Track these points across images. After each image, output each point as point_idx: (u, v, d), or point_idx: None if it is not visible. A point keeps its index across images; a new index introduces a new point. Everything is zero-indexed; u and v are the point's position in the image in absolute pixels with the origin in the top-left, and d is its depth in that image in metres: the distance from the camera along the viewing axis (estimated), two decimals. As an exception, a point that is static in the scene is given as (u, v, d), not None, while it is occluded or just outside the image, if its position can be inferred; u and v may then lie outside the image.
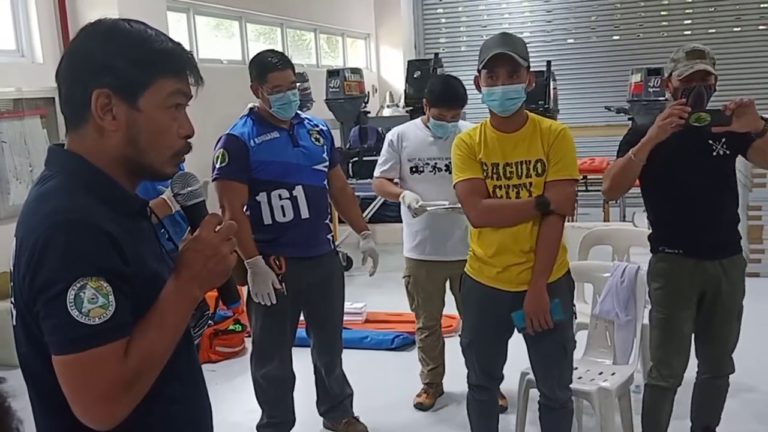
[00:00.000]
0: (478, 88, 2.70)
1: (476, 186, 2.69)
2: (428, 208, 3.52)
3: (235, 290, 1.44)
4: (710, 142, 2.80)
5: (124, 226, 1.28)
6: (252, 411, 3.99)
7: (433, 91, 3.60)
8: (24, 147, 5.17)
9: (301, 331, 3.42)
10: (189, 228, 1.41)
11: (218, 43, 8.51)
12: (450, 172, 3.24)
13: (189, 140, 1.37)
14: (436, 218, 3.58)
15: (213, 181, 3.13)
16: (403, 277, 3.86)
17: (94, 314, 1.18)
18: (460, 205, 2.90)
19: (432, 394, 3.99)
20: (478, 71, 2.67)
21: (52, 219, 1.22)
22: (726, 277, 2.88)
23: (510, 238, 2.67)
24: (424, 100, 3.65)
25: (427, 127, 3.65)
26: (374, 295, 5.66)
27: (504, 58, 2.57)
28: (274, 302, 3.09)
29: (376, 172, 3.80)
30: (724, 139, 2.77)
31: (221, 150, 3.12)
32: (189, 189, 1.39)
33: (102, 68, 1.27)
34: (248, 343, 4.93)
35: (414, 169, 3.65)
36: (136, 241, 1.30)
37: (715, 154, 2.81)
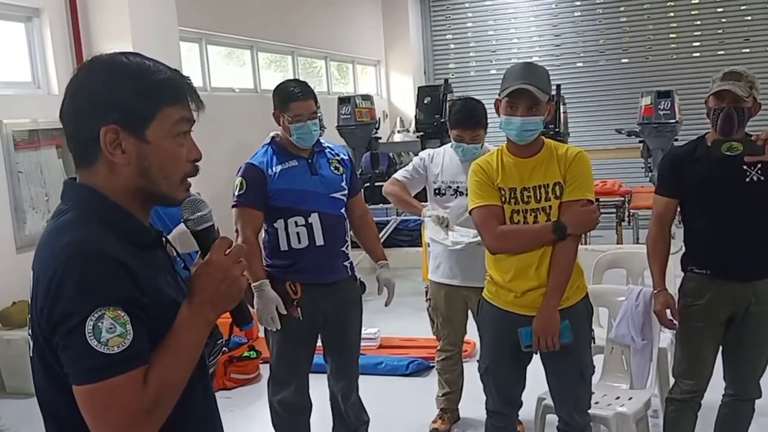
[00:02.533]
0: (498, 112, 2.73)
1: (493, 212, 2.69)
2: (452, 232, 3.53)
3: (247, 312, 1.45)
4: (744, 168, 2.81)
5: (139, 257, 1.30)
6: (267, 439, 3.98)
7: (452, 112, 3.65)
8: (40, 177, 5.23)
9: (318, 357, 3.42)
10: (199, 253, 1.42)
11: (230, 72, 8.60)
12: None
13: (197, 164, 1.40)
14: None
15: (232, 208, 3.21)
16: (426, 300, 3.88)
17: (112, 343, 1.20)
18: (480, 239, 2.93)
19: (447, 420, 3.96)
20: (500, 97, 2.69)
21: (68, 252, 1.24)
22: (756, 300, 2.89)
23: (527, 263, 2.67)
24: (447, 123, 3.70)
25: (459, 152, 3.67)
26: (388, 320, 5.64)
27: (525, 92, 2.60)
28: (279, 327, 3.11)
29: (396, 175, 3.86)
30: (759, 166, 2.78)
31: (240, 178, 3.21)
32: (199, 214, 1.40)
33: (106, 105, 1.29)
34: (263, 369, 4.93)
35: (437, 192, 3.69)
36: (151, 271, 1.32)
37: (748, 180, 2.82)
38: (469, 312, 3.69)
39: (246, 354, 4.82)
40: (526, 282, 2.67)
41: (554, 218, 2.66)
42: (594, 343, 2.87)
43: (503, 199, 2.70)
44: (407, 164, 3.93)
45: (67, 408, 1.24)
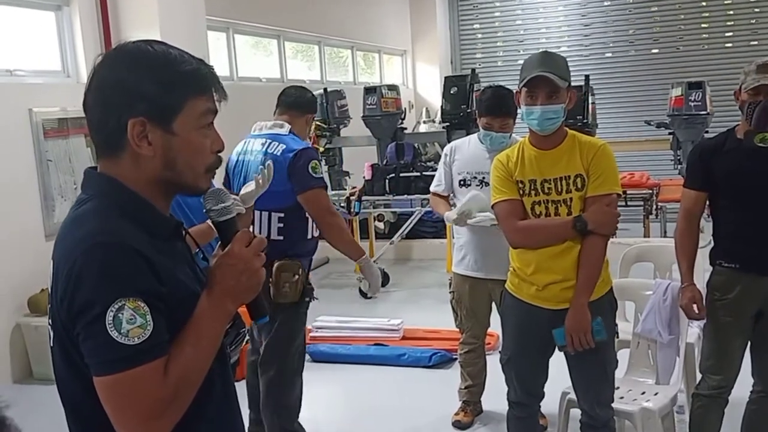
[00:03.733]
0: (519, 104, 2.70)
1: (513, 207, 2.68)
2: (469, 221, 3.51)
3: (263, 306, 1.43)
4: None
5: (159, 248, 1.30)
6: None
7: (481, 100, 3.63)
8: (69, 165, 5.29)
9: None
10: (219, 244, 1.41)
11: (257, 61, 8.63)
12: None
13: (220, 154, 1.40)
14: (481, 234, 3.54)
15: (315, 189, 3.17)
16: (449, 292, 3.87)
17: (133, 334, 1.20)
18: None
19: (470, 412, 3.96)
20: (519, 88, 2.67)
21: (88, 242, 1.24)
22: None
23: (548, 256, 2.65)
24: (476, 111, 3.66)
25: (481, 141, 3.64)
26: (412, 311, 5.65)
27: (544, 79, 2.57)
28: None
29: (432, 187, 3.88)
30: None
31: (315, 161, 3.23)
32: (223, 205, 1.40)
33: (134, 96, 1.28)
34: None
35: (462, 183, 3.66)
36: (170, 261, 1.32)
37: None
38: (493, 305, 3.67)
39: (270, 343, 4.83)
40: (547, 275, 2.66)
41: (575, 210, 2.64)
42: (618, 337, 2.85)
43: (523, 191, 2.68)
44: (431, 155, 3.92)
45: (87, 398, 1.25)
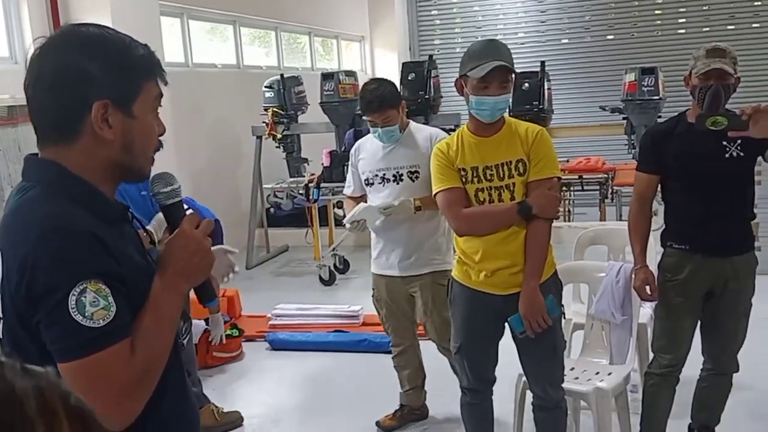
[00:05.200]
0: (460, 92, 2.70)
1: (456, 195, 2.70)
2: (347, 225, 3.44)
3: (211, 288, 1.46)
4: (724, 143, 2.81)
5: (110, 230, 1.30)
6: (249, 416, 3.99)
7: (360, 100, 3.58)
8: (18, 154, 5.15)
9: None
10: (166, 228, 1.43)
11: (213, 48, 8.51)
12: (398, 183, 3.36)
13: (160, 137, 1.41)
14: (392, 232, 3.41)
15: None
16: (372, 289, 3.68)
17: (98, 317, 1.19)
18: (386, 205, 3.15)
19: (397, 417, 3.74)
20: (462, 76, 2.66)
21: (42, 227, 1.22)
22: (734, 275, 2.92)
23: (495, 242, 2.68)
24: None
25: (377, 137, 3.48)
26: (371, 297, 5.65)
27: (499, 69, 2.58)
28: None
29: (344, 191, 3.76)
30: (738, 141, 2.78)
31: None
32: (171, 188, 1.41)
33: (96, 80, 1.28)
34: (246, 347, 4.94)
35: (367, 182, 3.51)
36: (122, 243, 1.32)
37: (728, 156, 2.83)
38: (418, 301, 3.48)
39: (228, 332, 4.80)
40: (495, 261, 2.68)
41: (518, 195, 2.67)
42: (564, 318, 2.89)
43: (466, 179, 2.70)
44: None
45: None
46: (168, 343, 1.31)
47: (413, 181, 3.37)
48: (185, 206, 3.62)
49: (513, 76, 2.64)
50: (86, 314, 1.18)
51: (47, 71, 1.30)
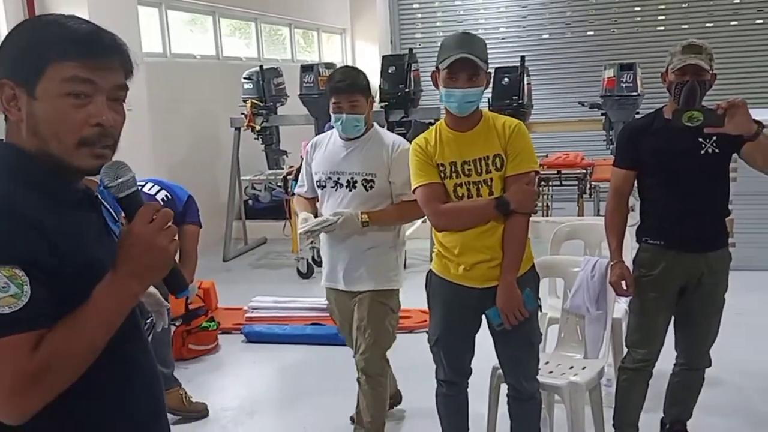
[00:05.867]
0: (436, 84, 2.69)
1: (435, 191, 2.69)
2: (300, 231, 3.21)
3: (181, 278, 1.37)
4: (700, 140, 2.82)
5: (62, 216, 1.25)
6: (224, 408, 3.98)
7: (328, 81, 3.27)
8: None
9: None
10: (123, 215, 1.33)
11: (192, 39, 8.43)
12: (350, 189, 3.11)
13: (102, 127, 1.27)
14: (337, 246, 3.20)
15: None
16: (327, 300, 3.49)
17: (3, 303, 1.14)
18: (329, 221, 3.03)
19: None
20: (437, 68, 2.66)
21: None
22: (709, 271, 2.94)
23: (473, 237, 2.68)
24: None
25: (340, 135, 3.20)
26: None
27: (466, 62, 2.57)
28: None
29: (295, 189, 3.50)
30: (714, 138, 2.79)
31: None
32: (119, 180, 1.30)
33: (5, 60, 1.27)
34: (222, 340, 4.92)
35: (319, 184, 3.23)
36: (75, 230, 1.26)
37: (703, 152, 2.84)
38: (355, 314, 3.23)
39: (204, 325, 4.78)
40: (474, 255, 2.68)
41: (496, 190, 2.67)
42: (541, 311, 2.91)
43: (444, 174, 2.69)
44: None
45: None
46: (91, 345, 1.22)
47: (367, 190, 3.10)
48: (157, 188, 3.59)
49: (485, 69, 2.63)
50: None
51: None
